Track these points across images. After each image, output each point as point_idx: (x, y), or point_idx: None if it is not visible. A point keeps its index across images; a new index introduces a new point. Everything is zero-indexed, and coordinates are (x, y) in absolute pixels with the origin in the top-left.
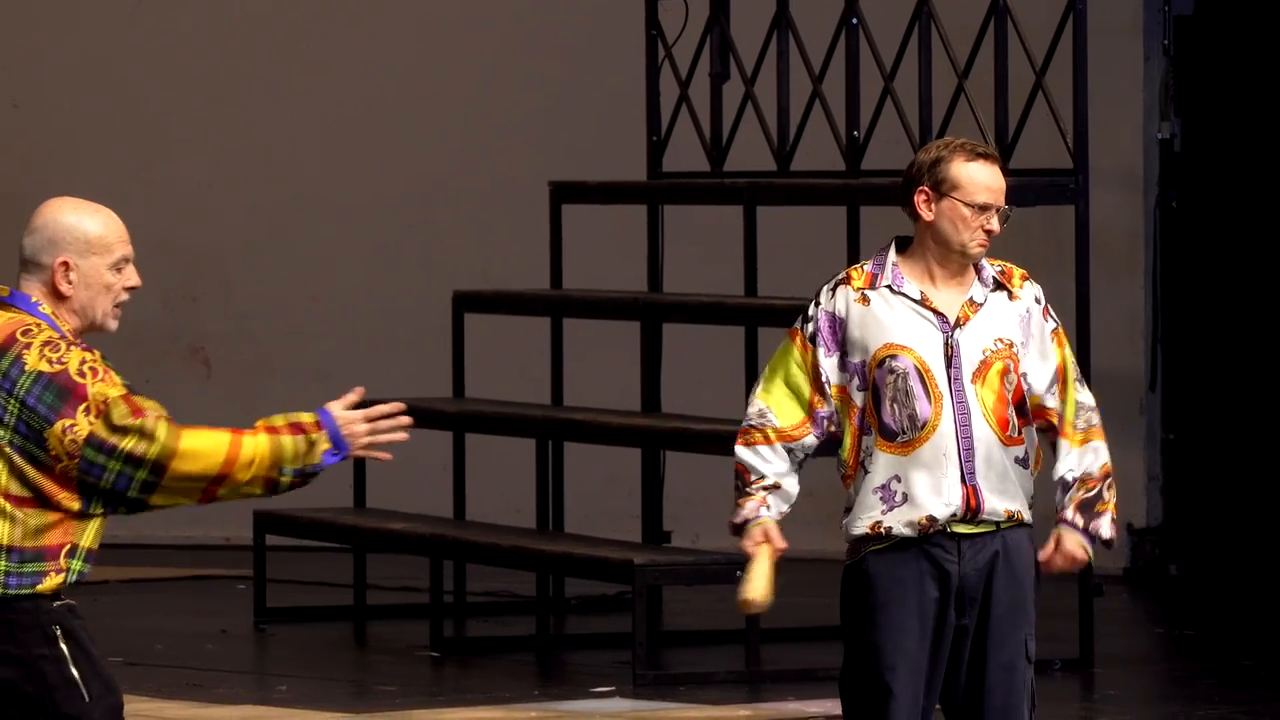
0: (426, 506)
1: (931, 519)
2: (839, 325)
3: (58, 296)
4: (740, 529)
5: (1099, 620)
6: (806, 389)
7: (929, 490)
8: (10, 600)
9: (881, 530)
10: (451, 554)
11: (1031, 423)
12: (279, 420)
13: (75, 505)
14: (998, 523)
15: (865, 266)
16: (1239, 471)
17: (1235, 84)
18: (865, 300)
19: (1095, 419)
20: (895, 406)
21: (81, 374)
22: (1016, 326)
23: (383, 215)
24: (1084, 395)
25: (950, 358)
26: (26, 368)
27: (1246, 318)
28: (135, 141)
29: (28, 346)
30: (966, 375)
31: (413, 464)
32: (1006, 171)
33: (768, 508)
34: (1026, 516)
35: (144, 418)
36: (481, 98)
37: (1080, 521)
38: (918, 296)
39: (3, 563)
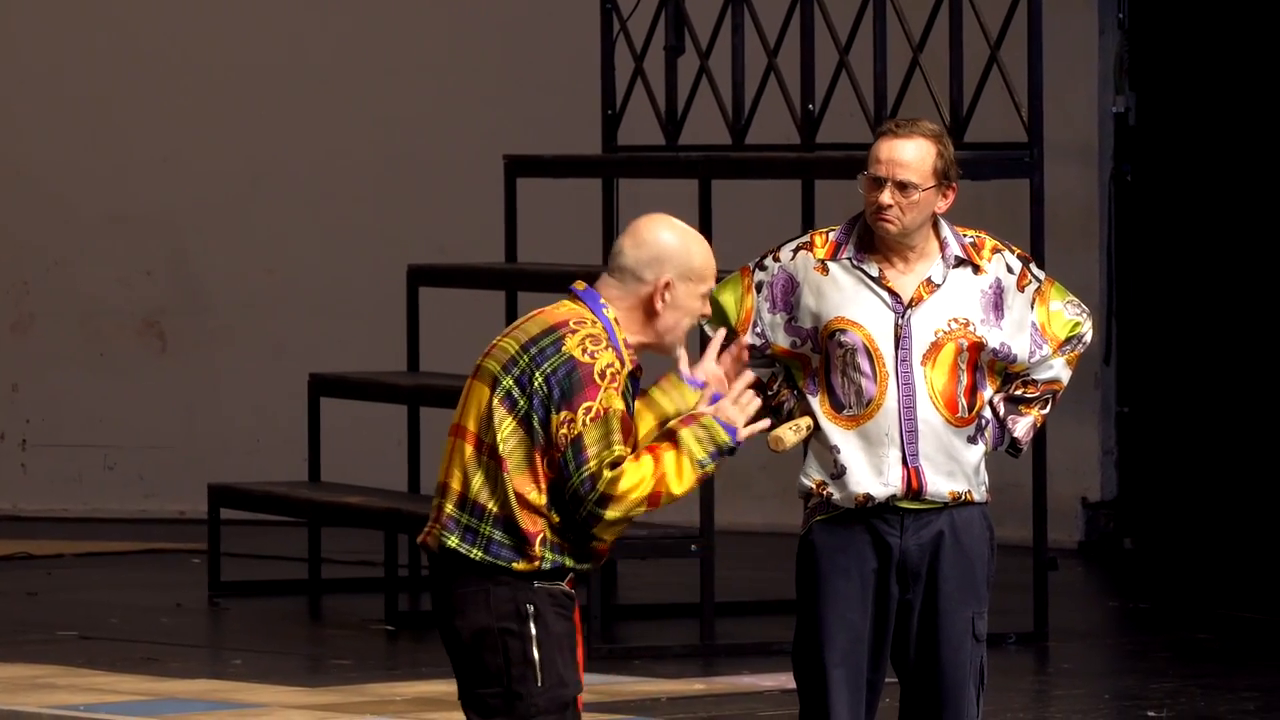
0: (381, 480)
1: (869, 497)
2: (793, 288)
3: (649, 313)
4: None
5: (1053, 594)
6: (733, 315)
7: (869, 469)
8: (491, 569)
9: (825, 494)
10: (406, 528)
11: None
12: (674, 422)
13: (541, 498)
14: (944, 503)
15: (831, 234)
16: (1194, 445)
17: (1189, 57)
18: (824, 269)
19: (1080, 346)
20: (844, 379)
21: (603, 375)
22: (977, 304)
23: (339, 189)
24: (1082, 329)
25: (899, 339)
26: (563, 349)
27: (1201, 291)
28: (90, 114)
29: (573, 332)
30: (916, 357)
31: (367, 438)
32: (956, 144)
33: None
34: (977, 496)
35: (619, 447)
36: (437, 71)
37: (1002, 411)
38: (875, 274)
39: (487, 528)
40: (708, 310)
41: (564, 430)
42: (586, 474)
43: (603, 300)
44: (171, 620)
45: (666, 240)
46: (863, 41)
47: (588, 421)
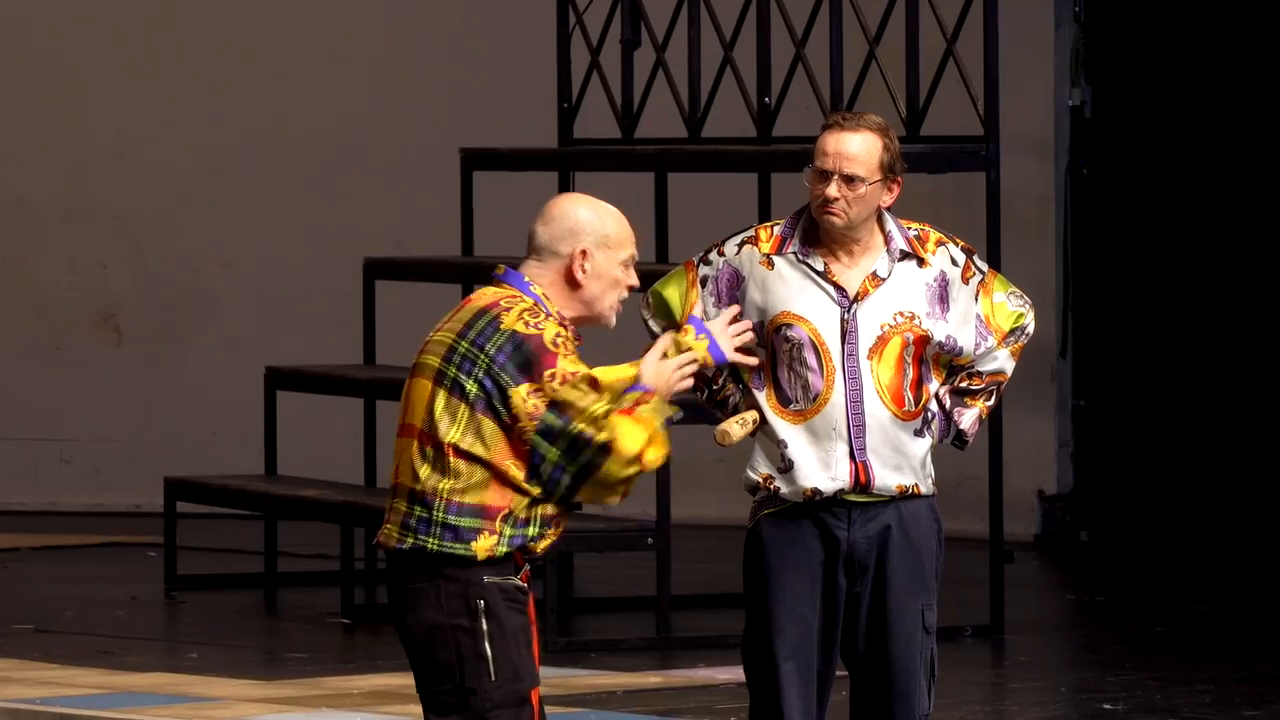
0: (337, 474)
1: (817, 491)
2: (738, 282)
3: (571, 284)
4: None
5: (1010, 586)
6: (678, 310)
7: (816, 464)
8: (446, 558)
9: (773, 487)
10: (362, 521)
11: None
12: (628, 399)
13: (519, 473)
14: (891, 495)
15: (775, 229)
16: (1150, 438)
17: (1146, 51)
18: (769, 264)
19: (1023, 338)
20: (790, 374)
21: (555, 344)
22: (923, 297)
23: (295, 182)
24: (1025, 321)
25: (846, 333)
26: (501, 326)
27: (1157, 285)
28: (44, 106)
29: (507, 310)
30: (862, 351)
31: (324, 431)
32: (912, 138)
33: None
34: (924, 489)
35: (602, 399)
36: (393, 64)
37: (948, 404)
38: (820, 268)
39: (440, 514)
40: (633, 280)
41: (534, 400)
42: (577, 429)
43: (526, 279)
44: (127, 613)
45: (577, 213)
46: (819, 35)
47: (557, 386)
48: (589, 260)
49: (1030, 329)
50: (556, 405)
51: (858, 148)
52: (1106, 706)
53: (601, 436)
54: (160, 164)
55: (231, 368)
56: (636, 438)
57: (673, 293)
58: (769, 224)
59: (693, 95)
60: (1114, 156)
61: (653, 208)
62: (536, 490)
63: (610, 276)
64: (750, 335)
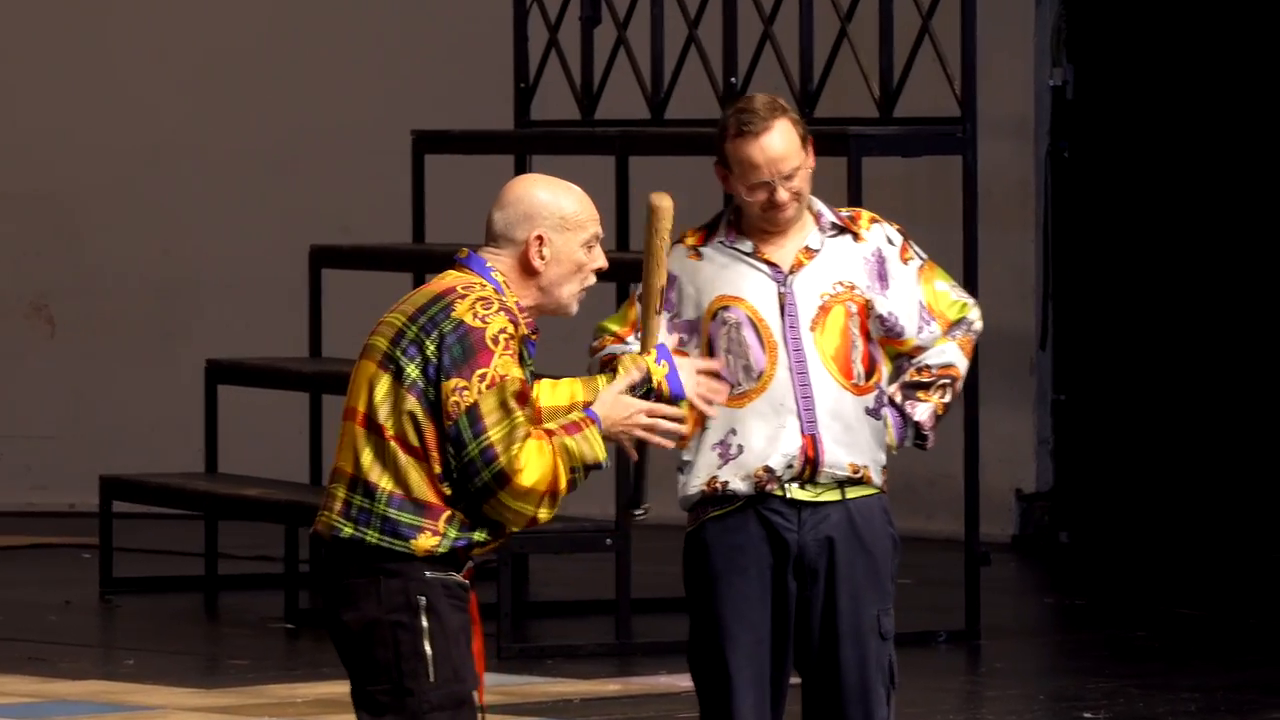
0: (282, 471)
1: (768, 469)
2: (671, 284)
3: (528, 272)
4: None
5: (986, 590)
6: (617, 324)
7: (765, 441)
8: (385, 553)
9: (718, 486)
10: (307, 521)
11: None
12: (553, 424)
13: (439, 469)
14: (841, 483)
15: (699, 227)
16: (1133, 435)
17: (1130, 28)
18: (698, 255)
19: (970, 332)
20: (730, 358)
21: (496, 340)
22: (861, 270)
23: (238, 165)
24: (971, 314)
25: (784, 306)
26: (453, 314)
27: (1142, 273)
28: None
29: (462, 297)
30: (804, 324)
31: (267, 427)
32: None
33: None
34: (875, 476)
35: (522, 419)
36: (340, 41)
37: (899, 398)
38: (750, 250)
39: (381, 506)
40: (599, 261)
41: (456, 398)
42: (485, 443)
43: (488, 264)
44: (60, 618)
45: (533, 196)
46: (788, 11)
47: (483, 389)
48: (546, 245)
49: (978, 325)
50: (473, 411)
51: (782, 145)
52: (1087, 715)
53: (501, 461)
54: (97, 145)
55: (170, 360)
56: (538, 475)
57: (616, 322)
58: (693, 227)
59: (656, 75)
60: (1097, 139)
61: (614, 192)
62: (448, 491)
63: (572, 260)
64: (721, 396)
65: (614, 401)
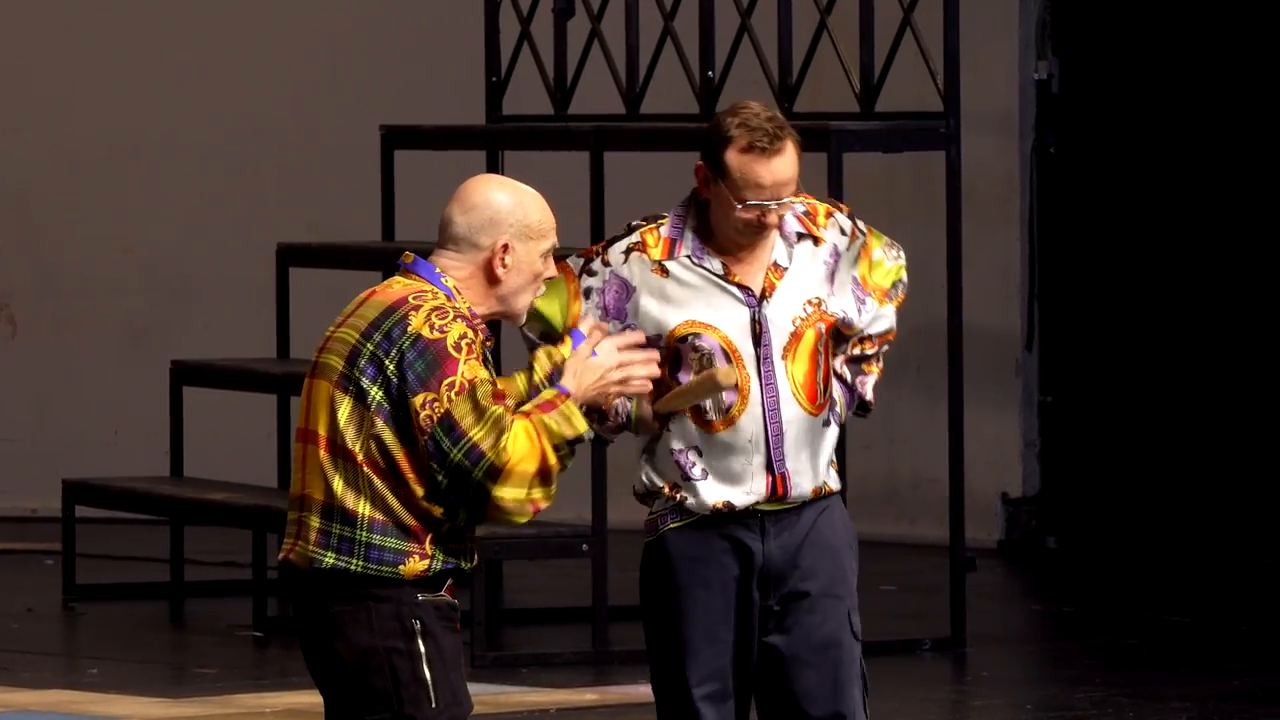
0: (249, 475)
1: (729, 505)
2: (628, 294)
3: (490, 279)
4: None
5: (972, 596)
6: (558, 323)
7: (730, 478)
8: (372, 580)
9: (678, 497)
10: (275, 526)
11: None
12: (528, 406)
13: (420, 490)
14: (805, 501)
15: (661, 230)
16: (1121, 437)
17: (1116, 21)
18: (663, 271)
19: (903, 290)
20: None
21: (458, 347)
22: (824, 279)
23: (203, 161)
24: (903, 275)
25: (759, 335)
26: (409, 328)
27: (1129, 272)
28: None
29: (416, 309)
30: (776, 352)
31: (234, 429)
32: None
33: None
34: (833, 484)
35: (501, 412)
36: (309, 35)
37: (848, 376)
38: (720, 270)
39: (364, 534)
40: (552, 270)
41: (427, 411)
42: (467, 446)
43: (438, 270)
44: (22, 626)
45: (499, 201)
46: (766, 3)
47: (453, 397)
48: (510, 254)
49: (905, 278)
50: (448, 420)
51: (790, 169)
52: None
53: (489, 456)
54: (59, 141)
55: (135, 362)
56: (524, 454)
57: (552, 306)
58: (653, 225)
59: (631, 69)
60: (1083, 133)
61: (588, 189)
62: (438, 511)
63: (531, 270)
64: (654, 368)
65: (580, 369)
